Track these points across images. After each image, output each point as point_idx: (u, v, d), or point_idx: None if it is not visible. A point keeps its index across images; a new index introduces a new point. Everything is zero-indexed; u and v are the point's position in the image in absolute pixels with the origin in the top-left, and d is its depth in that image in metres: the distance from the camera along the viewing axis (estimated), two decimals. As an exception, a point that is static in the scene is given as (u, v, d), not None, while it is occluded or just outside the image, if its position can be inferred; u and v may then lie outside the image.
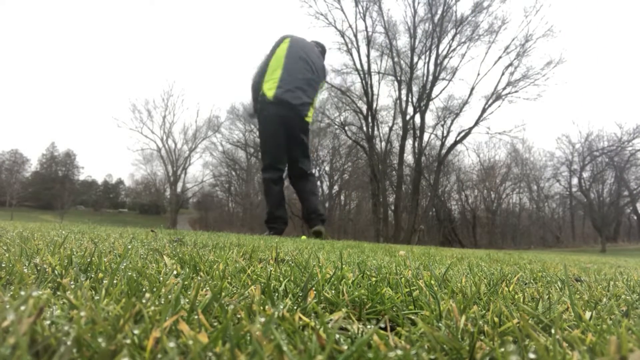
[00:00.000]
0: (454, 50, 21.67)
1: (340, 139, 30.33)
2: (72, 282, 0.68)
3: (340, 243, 3.15)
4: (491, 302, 0.74)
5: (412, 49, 21.71)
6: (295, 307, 0.60)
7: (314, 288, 0.71)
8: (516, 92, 21.32)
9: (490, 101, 21.62)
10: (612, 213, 31.37)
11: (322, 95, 23.60)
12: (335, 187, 35.09)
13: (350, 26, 21.51)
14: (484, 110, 21.70)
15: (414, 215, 21.37)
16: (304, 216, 4.76)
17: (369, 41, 21.69)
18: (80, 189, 57.51)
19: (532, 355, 0.42)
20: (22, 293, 0.48)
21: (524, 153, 36.29)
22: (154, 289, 0.64)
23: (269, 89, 4.57)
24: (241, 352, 0.40)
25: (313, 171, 5.00)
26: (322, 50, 5.29)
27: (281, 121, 4.58)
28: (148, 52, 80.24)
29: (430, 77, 21.65)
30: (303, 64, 4.73)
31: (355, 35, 21.53)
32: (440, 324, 0.57)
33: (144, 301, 0.53)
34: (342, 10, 20.93)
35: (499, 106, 22.12)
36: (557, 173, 33.86)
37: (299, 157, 4.77)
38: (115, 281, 0.68)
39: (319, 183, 33.43)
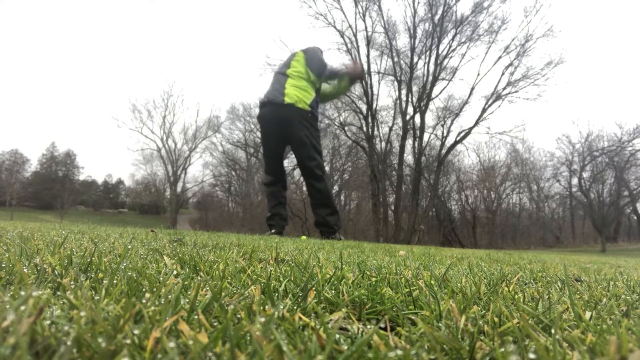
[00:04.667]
0: (454, 50, 21.68)
1: (340, 139, 30.33)
2: (72, 282, 0.68)
3: (340, 243, 3.15)
4: (491, 302, 0.74)
5: (412, 49, 21.71)
6: (295, 307, 0.60)
7: (314, 288, 0.70)
8: (516, 92, 21.33)
9: (490, 101, 21.62)
10: (612, 213, 31.37)
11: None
12: (335, 187, 35.06)
13: (349, 26, 21.50)
14: (484, 110, 21.71)
15: (414, 215, 21.37)
16: (315, 224, 4.77)
17: (369, 41, 21.69)
18: (80, 189, 57.53)
19: (532, 355, 0.42)
20: (22, 293, 0.48)
21: (524, 153, 36.32)
22: (154, 289, 0.64)
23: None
24: (241, 352, 0.40)
25: (323, 173, 4.61)
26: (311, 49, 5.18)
27: (272, 121, 4.53)
28: (148, 52, 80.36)
29: (430, 77, 21.66)
30: (283, 65, 4.90)
31: (355, 35, 21.52)
32: (440, 324, 0.57)
33: (144, 301, 0.53)
34: (342, 10, 20.93)
35: (499, 106, 22.12)
36: (557, 173, 33.90)
37: (303, 157, 4.56)
38: (115, 281, 0.68)
39: None
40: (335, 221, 4.57)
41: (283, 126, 4.50)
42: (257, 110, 5.00)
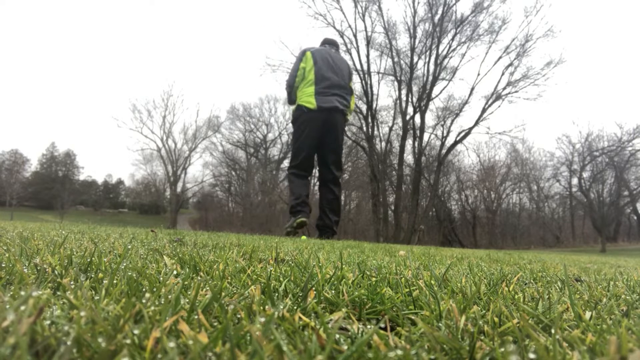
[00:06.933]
0: (454, 50, 21.67)
1: (340, 139, 30.26)
2: (72, 282, 0.68)
3: (340, 243, 3.15)
4: (491, 302, 0.74)
5: (412, 48, 21.70)
6: (295, 307, 0.60)
7: (314, 288, 0.70)
8: (516, 92, 21.32)
9: (490, 101, 21.61)
10: (612, 213, 31.37)
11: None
12: (335, 187, 35.00)
13: (349, 26, 21.48)
14: (484, 110, 21.70)
15: (414, 215, 21.36)
16: (317, 224, 4.82)
17: (369, 41, 21.68)
18: (80, 189, 57.47)
19: (532, 355, 0.42)
20: (22, 293, 0.48)
21: (524, 153, 36.34)
22: (154, 289, 0.64)
23: (308, 102, 4.68)
24: (241, 352, 0.40)
25: (340, 178, 5.00)
26: (337, 47, 5.31)
27: (324, 125, 4.71)
28: (148, 52, 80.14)
29: (430, 77, 21.65)
30: (331, 70, 4.86)
31: (355, 35, 21.51)
32: (440, 324, 0.57)
33: (144, 301, 0.53)
34: (342, 10, 20.91)
35: (499, 106, 22.11)
36: (557, 173, 33.91)
37: (334, 162, 4.86)
38: (115, 281, 0.68)
39: None
40: (337, 224, 4.84)
41: (331, 131, 4.75)
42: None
